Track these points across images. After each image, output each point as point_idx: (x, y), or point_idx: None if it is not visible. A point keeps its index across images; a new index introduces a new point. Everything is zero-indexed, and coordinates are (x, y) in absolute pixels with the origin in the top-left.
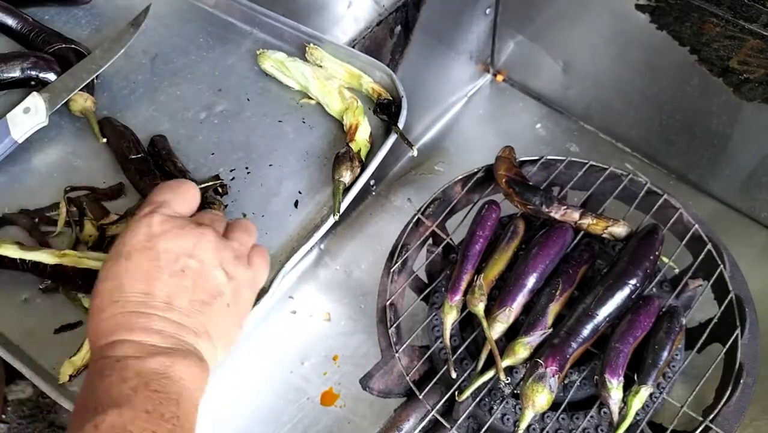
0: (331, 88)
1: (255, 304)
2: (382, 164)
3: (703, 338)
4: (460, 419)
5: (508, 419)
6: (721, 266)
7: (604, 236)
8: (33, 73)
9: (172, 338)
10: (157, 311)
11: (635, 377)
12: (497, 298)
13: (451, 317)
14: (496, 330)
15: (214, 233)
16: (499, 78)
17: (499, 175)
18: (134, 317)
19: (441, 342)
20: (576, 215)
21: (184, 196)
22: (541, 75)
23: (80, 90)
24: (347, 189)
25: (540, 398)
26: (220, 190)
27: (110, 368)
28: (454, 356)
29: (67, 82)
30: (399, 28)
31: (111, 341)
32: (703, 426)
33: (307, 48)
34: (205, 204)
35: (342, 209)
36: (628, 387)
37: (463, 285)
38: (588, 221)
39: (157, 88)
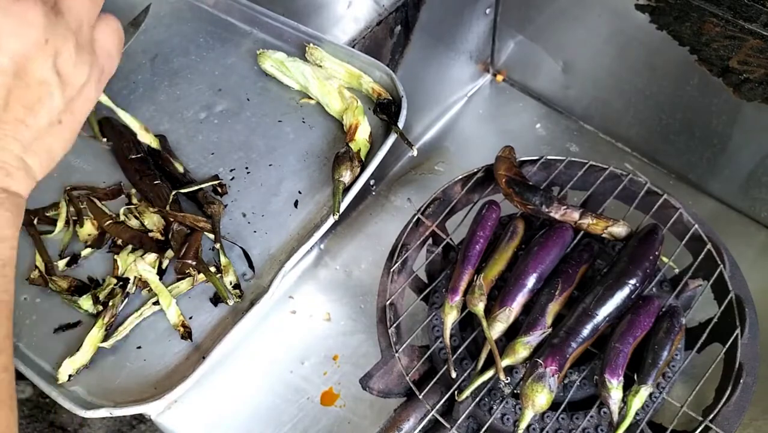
0: (330, 88)
1: (254, 304)
2: (382, 164)
3: (703, 338)
4: (460, 419)
5: (508, 419)
6: (721, 265)
7: (603, 235)
8: None
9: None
10: None
11: (635, 377)
12: (497, 298)
13: (451, 317)
14: (496, 330)
15: (40, 6)
16: (499, 78)
17: (499, 175)
18: None
19: (441, 342)
20: (576, 215)
21: None
22: (541, 75)
23: None
24: (347, 189)
25: (540, 397)
26: (219, 190)
27: None
28: (454, 356)
29: None
30: (399, 28)
31: None
32: (703, 426)
33: (307, 48)
34: (204, 203)
35: (342, 209)
36: (628, 387)
37: (463, 285)
38: (588, 221)
39: (157, 88)
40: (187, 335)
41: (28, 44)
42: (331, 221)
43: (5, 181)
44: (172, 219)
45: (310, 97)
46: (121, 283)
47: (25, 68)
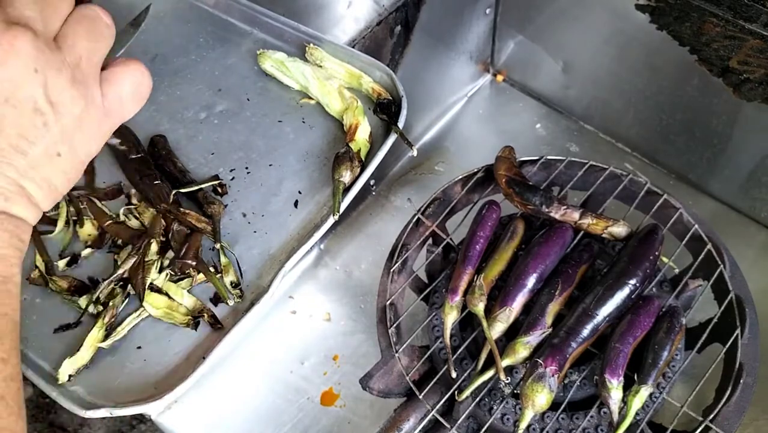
0: (331, 88)
1: (254, 304)
2: (382, 164)
3: (703, 338)
4: (460, 419)
5: (508, 419)
6: (721, 265)
7: (604, 235)
8: None
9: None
10: None
11: (635, 377)
12: (497, 298)
13: (451, 317)
14: (496, 330)
15: (30, 36)
16: (499, 78)
17: (499, 175)
18: None
19: (441, 342)
20: (576, 215)
21: None
22: (541, 75)
23: None
24: (347, 189)
25: (540, 397)
26: (219, 190)
27: None
28: (454, 356)
29: None
30: (399, 28)
31: None
32: (703, 426)
33: (307, 48)
34: (205, 203)
35: (342, 209)
36: (628, 387)
37: (463, 285)
38: (588, 221)
39: (157, 88)
40: (213, 320)
41: (14, 71)
42: (331, 221)
43: (4, 204)
44: (172, 218)
45: (310, 98)
46: (121, 283)
47: (14, 95)
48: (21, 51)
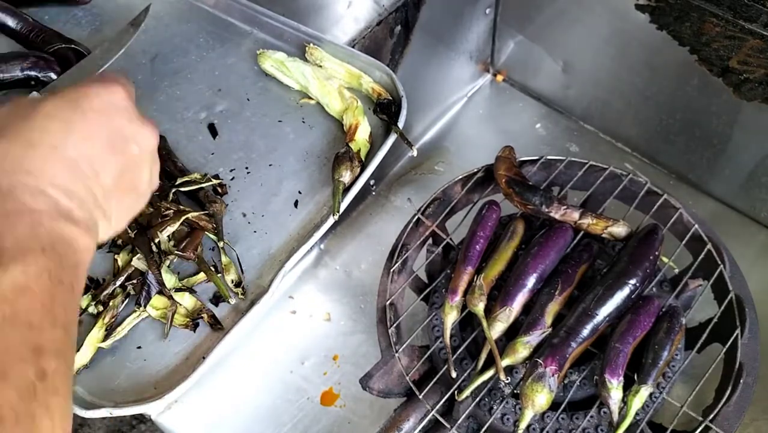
0: (331, 88)
1: (254, 304)
2: (382, 164)
3: (703, 338)
4: (460, 419)
5: (508, 419)
6: (721, 265)
7: (603, 235)
8: (33, 73)
9: (85, 211)
10: (86, 180)
11: (635, 377)
12: (497, 298)
13: (451, 317)
14: (496, 330)
15: (154, 128)
16: (499, 78)
17: (499, 175)
18: (65, 170)
19: (441, 342)
20: (576, 215)
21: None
22: (541, 75)
23: None
24: (347, 189)
25: (539, 397)
26: (219, 190)
27: (19, 215)
28: (454, 356)
29: (66, 82)
30: (399, 28)
31: (33, 183)
32: (703, 426)
33: (307, 48)
34: (206, 202)
35: (342, 209)
36: (628, 387)
37: (463, 285)
38: (588, 221)
39: (157, 88)
40: (213, 321)
41: (148, 146)
42: (331, 220)
43: (100, 220)
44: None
45: (310, 98)
46: (121, 283)
47: (139, 157)
48: (150, 132)
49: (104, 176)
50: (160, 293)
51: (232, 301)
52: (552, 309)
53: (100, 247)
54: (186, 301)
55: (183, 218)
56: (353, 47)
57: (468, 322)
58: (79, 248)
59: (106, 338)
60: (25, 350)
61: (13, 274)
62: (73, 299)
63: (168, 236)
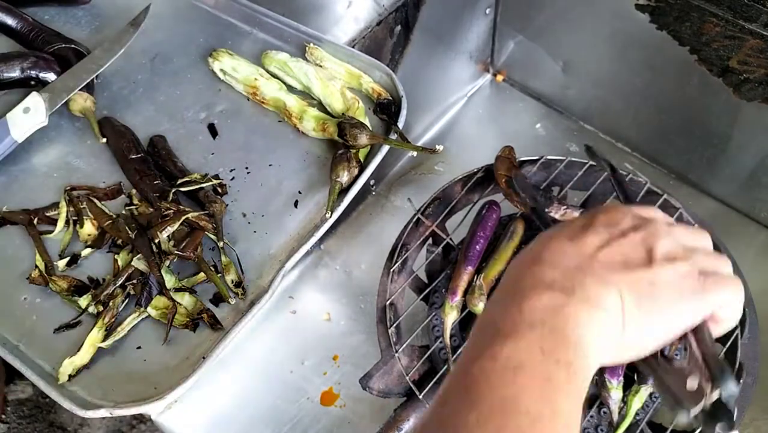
0: (333, 89)
1: (254, 304)
2: (382, 164)
3: None
4: None
5: None
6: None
7: None
8: (33, 73)
9: (569, 279)
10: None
11: (635, 377)
12: None
13: (451, 317)
14: None
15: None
16: (499, 78)
17: (499, 175)
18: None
19: (441, 342)
20: (576, 215)
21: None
22: (541, 75)
23: (80, 90)
24: (345, 189)
25: None
26: (219, 190)
27: (511, 297)
28: (454, 356)
29: (67, 82)
30: (399, 28)
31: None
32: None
33: (307, 48)
34: (206, 202)
35: (337, 209)
36: (628, 387)
37: (463, 285)
38: None
39: (157, 88)
40: (213, 321)
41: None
42: (331, 221)
43: (600, 289)
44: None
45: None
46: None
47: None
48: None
49: (603, 254)
50: (161, 293)
51: (232, 301)
52: None
53: None
54: (186, 301)
55: (183, 218)
56: (353, 47)
57: (468, 322)
58: (571, 318)
59: (106, 338)
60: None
61: (507, 349)
62: (573, 383)
63: (168, 236)
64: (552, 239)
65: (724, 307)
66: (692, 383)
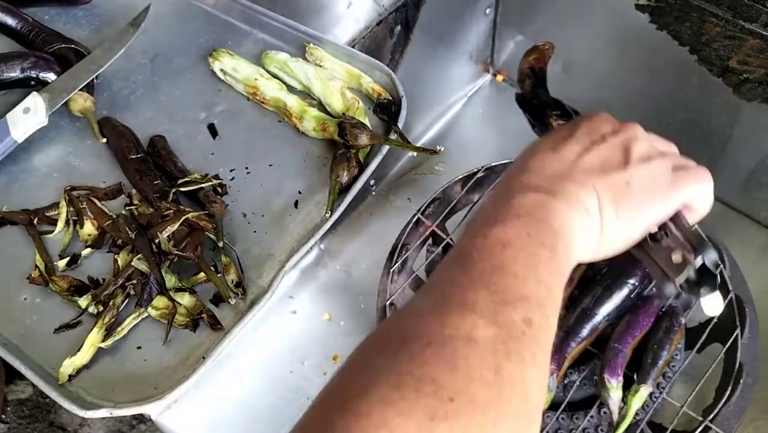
0: (333, 89)
1: (254, 304)
2: (382, 164)
3: (703, 338)
4: None
5: None
6: (721, 265)
7: None
8: (33, 73)
9: (552, 185)
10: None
11: (635, 377)
12: None
13: None
14: None
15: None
16: (499, 78)
17: (526, 59)
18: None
19: None
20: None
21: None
22: None
23: (80, 90)
24: (344, 189)
25: None
26: (219, 190)
27: (499, 198)
28: None
29: (66, 82)
30: (399, 28)
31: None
32: (702, 426)
33: (307, 48)
34: (206, 202)
35: (337, 209)
36: (627, 387)
37: None
38: None
39: (157, 88)
40: (213, 321)
41: (642, 141)
42: (331, 221)
43: (580, 192)
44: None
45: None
46: (121, 283)
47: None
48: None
49: (584, 160)
50: (161, 293)
51: (232, 301)
52: None
53: None
54: (186, 301)
55: (183, 218)
56: (353, 47)
57: None
58: (553, 212)
59: (106, 338)
60: (512, 296)
61: (496, 231)
62: (555, 262)
63: (168, 237)
64: (537, 150)
65: (695, 197)
66: (677, 257)
